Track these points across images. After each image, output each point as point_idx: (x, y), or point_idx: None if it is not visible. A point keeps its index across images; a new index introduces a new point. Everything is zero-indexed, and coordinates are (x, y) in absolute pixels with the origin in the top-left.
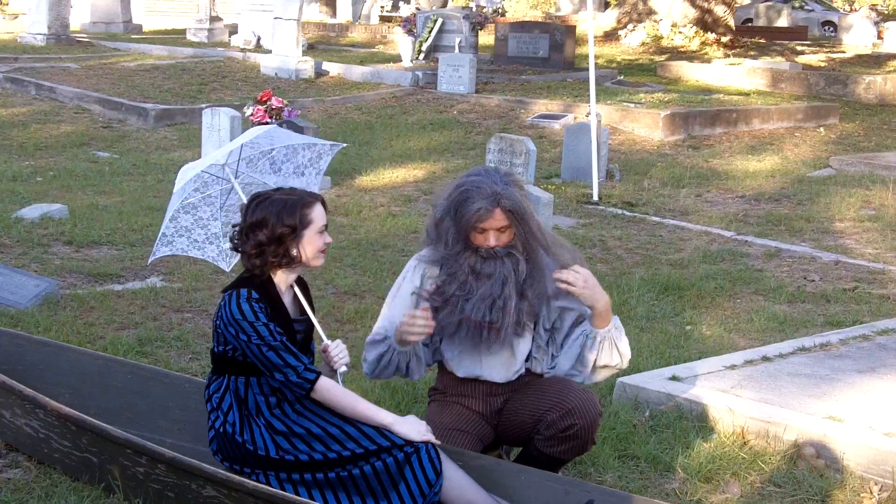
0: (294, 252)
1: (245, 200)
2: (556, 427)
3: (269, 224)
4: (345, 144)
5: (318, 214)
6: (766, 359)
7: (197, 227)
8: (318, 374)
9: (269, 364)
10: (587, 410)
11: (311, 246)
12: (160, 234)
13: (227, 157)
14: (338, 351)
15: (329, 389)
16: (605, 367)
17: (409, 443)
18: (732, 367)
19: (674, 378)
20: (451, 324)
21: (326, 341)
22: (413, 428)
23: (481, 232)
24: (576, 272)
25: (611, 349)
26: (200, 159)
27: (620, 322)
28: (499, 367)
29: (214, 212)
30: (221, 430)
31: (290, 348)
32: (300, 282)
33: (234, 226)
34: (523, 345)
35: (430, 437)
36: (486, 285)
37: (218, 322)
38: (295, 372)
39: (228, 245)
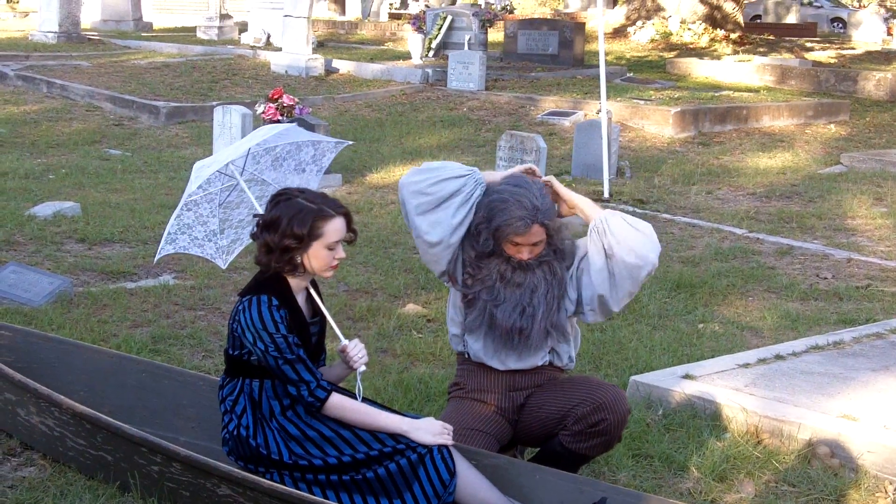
0: (298, 261)
1: (252, 198)
2: (586, 421)
3: (279, 228)
4: (351, 142)
5: (331, 229)
6: (779, 357)
7: (197, 225)
8: (330, 392)
9: (283, 377)
10: (617, 406)
11: (317, 260)
12: (166, 231)
13: (238, 156)
14: (356, 350)
15: (339, 407)
16: (626, 248)
17: (424, 443)
18: (746, 365)
19: (687, 377)
20: (478, 327)
21: (344, 341)
22: (428, 432)
23: (515, 244)
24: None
25: (620, 225)
26: (214, 156)
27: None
28: (523, 359)
29: (213, 209)
30: (235, 432)
31: (306, 362)
32: (311, 281)
33: (254, 215)
34: (550, 343)
35: (446, 440)
36: (515, 294)
37: (235, 326)
38: (307, 388)
39: (225, 242)
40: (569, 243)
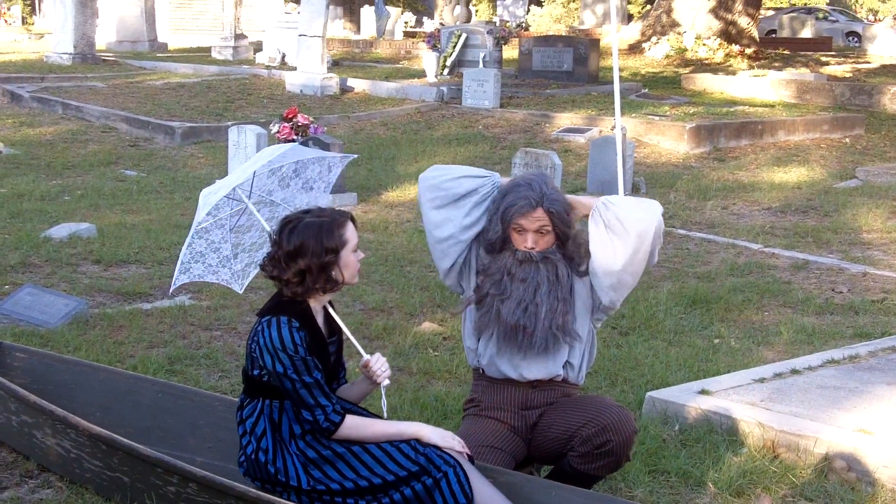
0: (335, 275)
1: (261, 220)
2: (592, 443)
3: (308, 250)
4: (356, 156)
5: (351, 233)
6: (795, 371)
7: (210, 252)
8: (343, 416)
9: (299, 401)
10: (623, 427)
11: (348, 267)
12: (178, 261)
13: (243, 180)
14: (379, 365)
15: (351, 427)
16: (631, 212)
17: (438, 467)
18: (762, 380)
19: (703, 392)
20: (486, 325)
21: (366, 356)
22: (437, 433)
23: (520, 232)
24: None
25: (619, 199)
26: (220, 181)
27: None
28: (536, 365)
29: (224, 234)
30: (253, 457)
31: (323, 387)
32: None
33: (269, 254)
34: (562, 349)
35: (455, 444)
36: (519, 289)
37: (254, 346)
38: (323, 412)
39: (240, 266)
40: (585, 251)
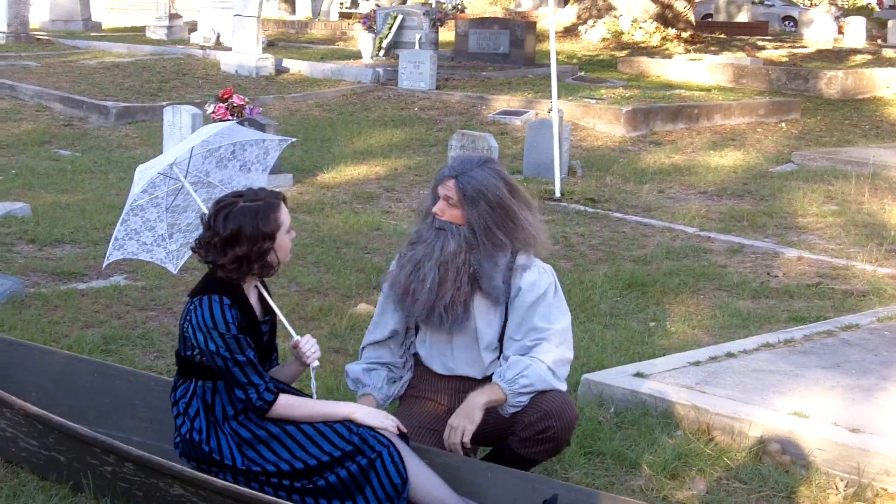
0: (271, 259)
1: (198, 200)
2: (533, 429)
3: (245, 237)
4: (294, 140)
5: (284, 215)
6: (730, 355)
7: (145, 230)
8: (277, 395)
9: (232, 380)
10: (564, 413)
11: (282, 249)
12: (113, 237)
13: (180, 156)
14: (309, 346)
15: (285, 406)
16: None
17: (372, 447)
18: (697, 363)
19: (638, 375)
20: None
21: (296, 337)
22: (372, 415)
23: (437, 199)
24: (450, 435)
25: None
26: (156, 158)
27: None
28: (467, 360)
29: (160, 213)
30: (188, 436)
31: (255, 365)
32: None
33: (202, 238)
34: (488, 335)
35: (388, 424)
36: (419, 250)
37: (186, 326)
38: (256, 391)
39: (175, 247)
40: (502, 284)
